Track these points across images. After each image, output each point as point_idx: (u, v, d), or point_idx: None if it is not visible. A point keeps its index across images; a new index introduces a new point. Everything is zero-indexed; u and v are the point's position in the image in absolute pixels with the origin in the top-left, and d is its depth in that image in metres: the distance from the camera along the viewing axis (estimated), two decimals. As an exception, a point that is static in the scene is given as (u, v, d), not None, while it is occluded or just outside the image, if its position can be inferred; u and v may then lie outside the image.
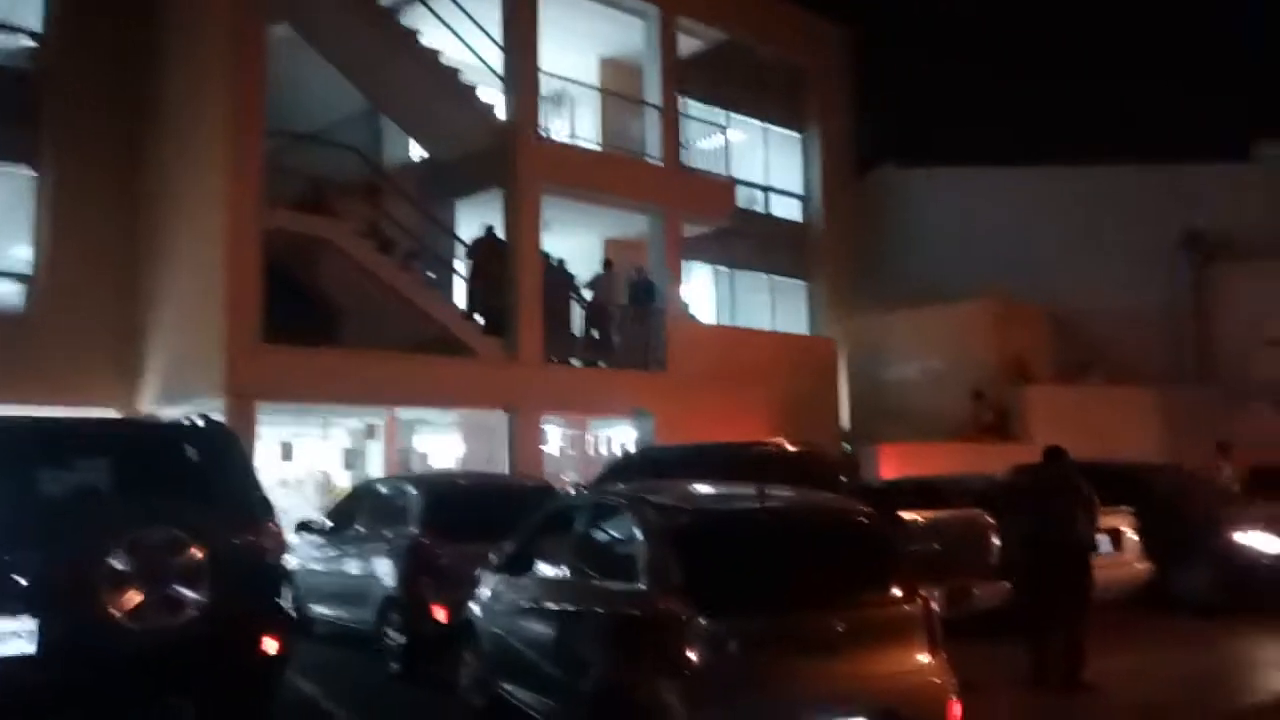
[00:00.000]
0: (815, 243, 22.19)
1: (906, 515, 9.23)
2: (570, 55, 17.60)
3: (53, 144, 14.73)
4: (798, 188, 22.46)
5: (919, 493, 10.92)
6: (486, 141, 15.72)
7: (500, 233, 15.75)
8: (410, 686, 8.75)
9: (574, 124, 17.73)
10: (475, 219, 16.10)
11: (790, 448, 11.01)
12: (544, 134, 16.71)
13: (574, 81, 17.59)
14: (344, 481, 15.36)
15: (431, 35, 15.22)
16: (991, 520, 10.06)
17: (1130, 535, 10.90)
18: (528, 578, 7.08)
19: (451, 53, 15.46)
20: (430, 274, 15.99)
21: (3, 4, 14.76)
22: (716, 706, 5.13)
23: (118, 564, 5.77)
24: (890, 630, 5.64)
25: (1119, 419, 17.60)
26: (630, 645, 5.60)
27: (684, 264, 18.36)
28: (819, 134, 22.38)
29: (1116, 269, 19.73)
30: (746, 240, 20.80)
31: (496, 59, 16.04)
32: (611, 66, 19.09)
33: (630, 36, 18.21)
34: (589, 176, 16.63)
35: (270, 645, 6.22)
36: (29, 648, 5.66)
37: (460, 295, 16.18)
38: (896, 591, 5.75)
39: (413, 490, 9.88)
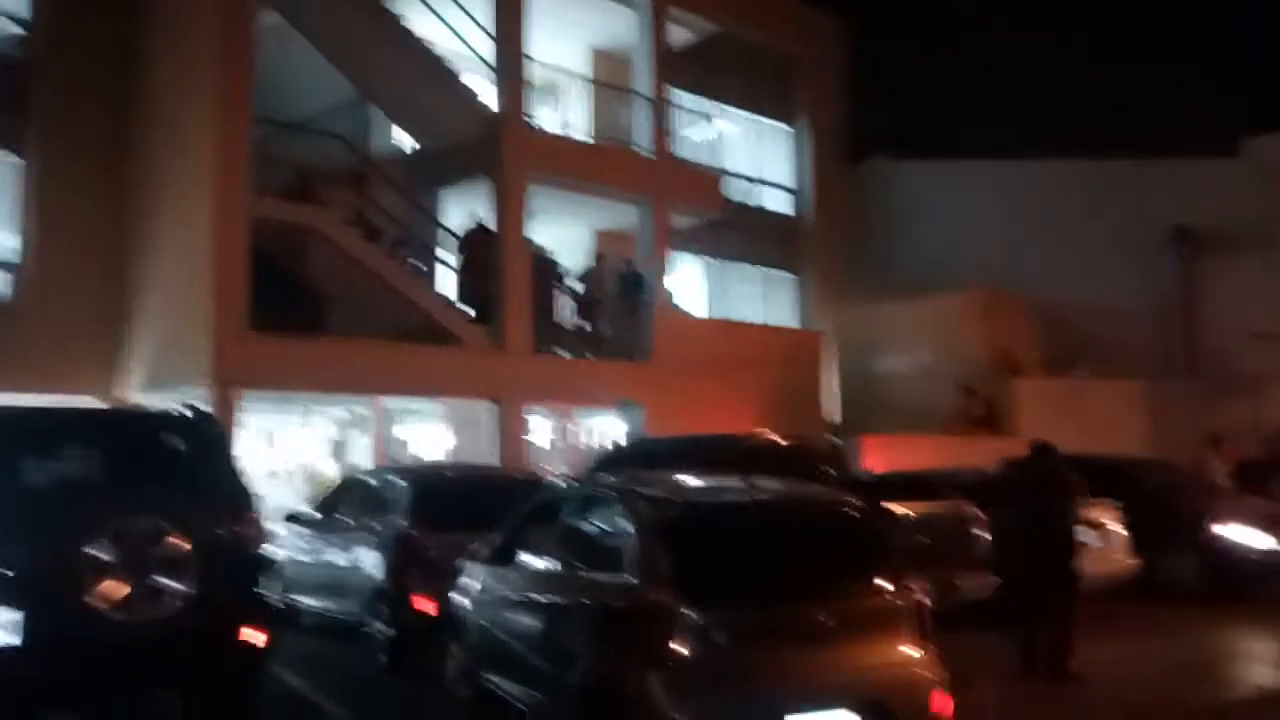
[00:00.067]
0: (804, 235, 22.18)
1: (894, 508, 9.24)
2: (560, 45, 17.54)
3: (40, 131, 14.58)
4: (787, 180, 22.45)
5: (907, 485, 10.94)
6: (474, 130, 15.64)
7: (488, 222, 15.67)
8: (397, 678, 8.73)
9: (563, 114, 17.65)
10: (462, 208, 16.03)
11: (779, 440, 11.02)
12: (532, 123, 16.62)
13: (564, 71, 17.51)
14: (330, 471, 15.30)
15: (420, 23, 15.11)
16: (979, 513, 10.10)
17: (1116, 528, 10.96)
18: (515, 569, 7.06)
19: (440, 41, 15.36)
20: (416, 263, 15.91)
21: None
22: (704, 699, 5.12)
23: (102, 554, 5.72)
24: (879, 622, 5.65)
25: (1106, 412, 17.67)
26: (618, 637, 5.58)
27: (673, 255, 18.31)
28: (809, 126, 22.36)
29: (1105, 262, 19.78)
30: (736, 232, 20.77)
31: (486, 47, 15.94)
32: (601, 56, 19.02)
33: (621, 26, 18.12)
34: (578, 166, 16.56)
35: (255, 636, 6.18)
36: (14, 639, 5.61)
37: (447, 284, 16.11)
38: (885, 583, 5.76)
39: (400, 482, 9.84)
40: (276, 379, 13.24)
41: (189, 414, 6.87)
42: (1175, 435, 16.88)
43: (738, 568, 5.52)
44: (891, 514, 9.09)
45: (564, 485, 8.45)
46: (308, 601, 10.59)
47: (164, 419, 7.08)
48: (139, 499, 6.01)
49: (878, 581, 5.76)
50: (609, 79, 18.46)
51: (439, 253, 16.42)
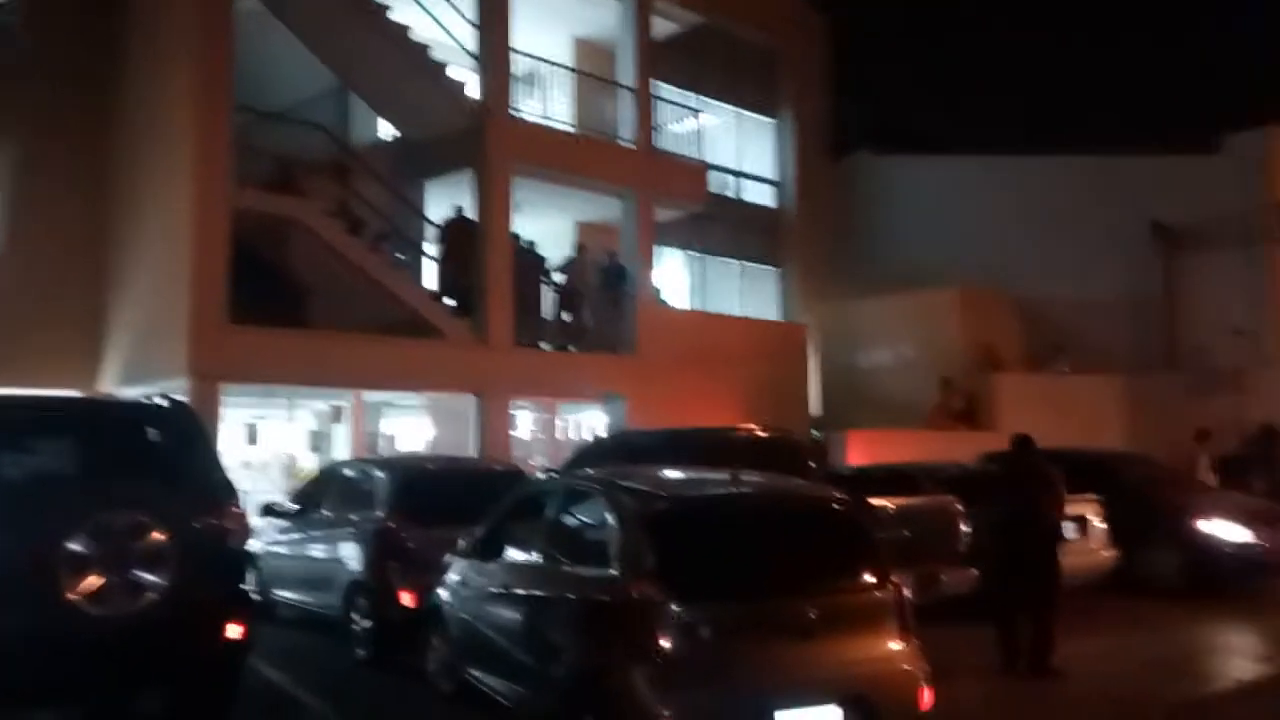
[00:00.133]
0: (787, 229, 22.18)
1: (876, 502, 9.24)
2: (543, 34, 17.42)
3: (18, 121, 14.40)
4: (770, 173, 22.43)
5: (888, 479, 10.96)
6: (457, 121, 15.53)
7: (470, 213, 15.58)
8: (377, 672, 8.67)
9: (546, 105, 17.56)
10: (445, 199, 15.92)
11: (761, 433, 11.00)
12: (516, 114, 16.53)
13: (547, 61, 17.40)
14: (309, 464, 15.20)
15: (401, 11, 14.97)
16: (961, 507, 10.12)
17: (1096, 522, 11.01)
18: (497, 563, 7.02)
19: (422, 30, 15.23)
20: (399, 255, 15.81)
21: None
22: (689, 693, 5.09)
23: (78, 547, 5.64)
24: (862, 616, 5.65)
25: (1087, 407, 17.76)
26: (602, 631, 5.55)
27: (656, 248, 18.27)
28: (792, 119, 22.36)
29: (1086, 258, 19.87)
30: (718, 225, 20.76)
31: (468, 36, 15.83)
32: (585, 47, 18.93)
33: (604, 17, 18.05)
34: (561, 158, 16.48)
35: (234, 630, 6.11)
36: None
37: (430, 277, 16.02)
38: (869, 578, 5.76)
39: (380, 474, 9.76)
40: (256, 371, 13.13)
41: (165, 405, 6.78)
42: (1155, 430, 16.98)
43: (722, 561, 5.50)
44: (871, 507, 9.08)
45: (547, 478, 8.42)
46: (286, 595, 10.51)
47: (139, 409, 6.99)
48: (114, 491, 5.93)
49: (862, 576, 5.75)
50: (592, 70, 18.38)
51: (422, 245, 16.32)
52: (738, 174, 21.88)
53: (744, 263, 22.00)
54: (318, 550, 9.99)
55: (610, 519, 5.89)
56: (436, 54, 15.31)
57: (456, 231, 15.52)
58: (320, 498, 10.44)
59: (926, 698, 5.53)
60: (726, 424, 12.74)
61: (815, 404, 20.57)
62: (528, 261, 16.13)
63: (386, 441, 16.85)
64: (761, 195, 22.33)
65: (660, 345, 16.97)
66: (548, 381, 16.11)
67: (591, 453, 11.59)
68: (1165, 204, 19.30)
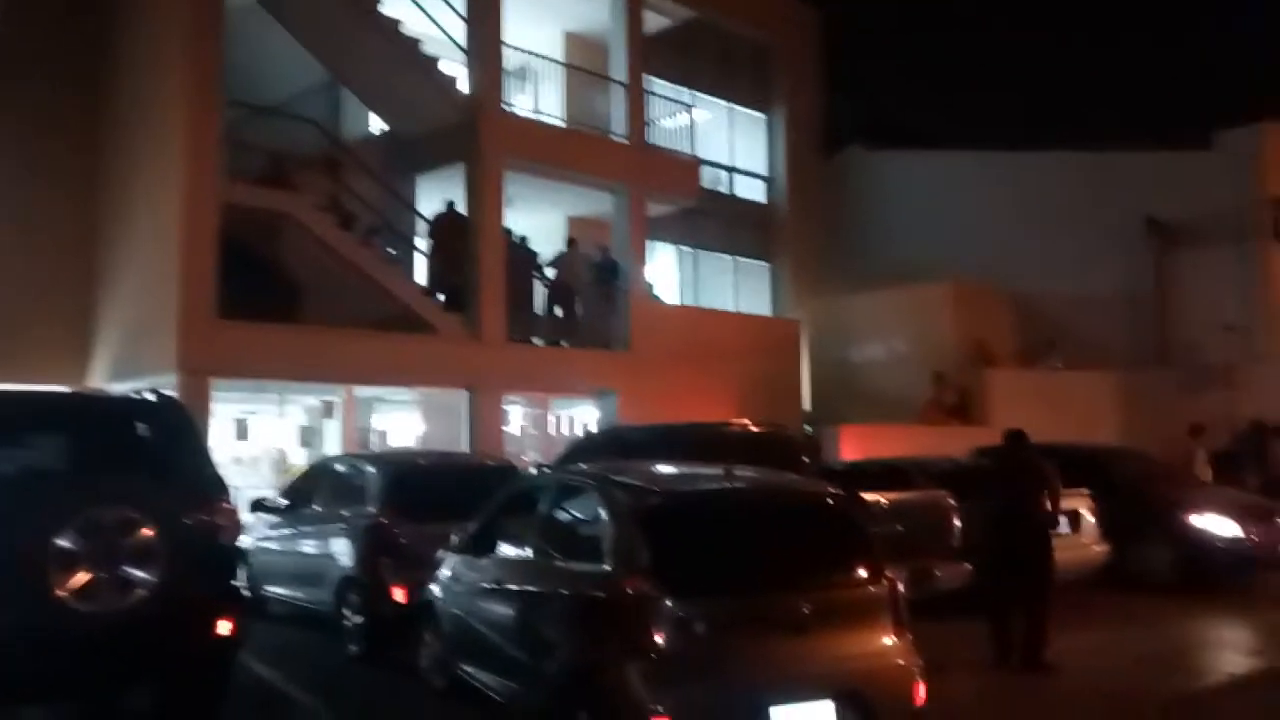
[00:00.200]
0: (779, 224, 22.17)
1: (868, 496, 9.21)
2: (534, 29, 17.37)
3: (8, 116, 14.30)
4: (763, 168, 22.41)
5: (881, 474, 10.95)
6: (449, 115, 15.47)
7: (462, 208, 15.53)
8: (369, 668, 8.62)
9: (538, 100, 17.49)
10: (437, 194, 15.87)
11: (754, 428, 10.98)
12: (508, 109, 16.47)
13: (538, 55, 17.34)
14: (300, 460, 15.14)
15: (393, 6, 14.92)
16: (954, 502, 10.11)
17: (1088, 517, 11.02)
18: (490, 558, 6.98)
19: (413, 24, 15.17)
20: (391, 250, 15.75)
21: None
22: (683, 688, 5.06)
23: (66, 543, 5.58)
24: (857, 612, 5.61)
25: (1079, 402, 17.79)
26: (595, 627, 5.52)
27: (648, 244, 18.23)
28: (785, 115, 22.34)
29: (1079, 253, 19.91)
30: (710, 221, 20.74)
31: (459, 31, 15.76)
32: (576, 41, 18.87)
33: (596, 11, 17.99)
34: (553, 153, 16.43)
35: (224, 626, 6.06)
36: None
37: (421, 272, 15.96)
38: (863, 573, 5.73)
39: (371, 469, 9.71)
40: (246, 367, 13.07)
41: (155, 400, 6.72)
42: (1148, 426, 17.02)
43: (716, 557, 5.47)
44: (864, 502, 9.06)
45: (539, 474, 8.38)
46: (277, 591, 10.46)
47: (128, 404, 6.93)
48: (103, 486, 5.88)
49: (856, 571, 5.73)
50: (584, 65, 18.32)
51: (414, 240, 16.26)
52: (730, 169, 21.86)
53: (736, 258, 21.99)
54: (309, 546, 9.93)
55: (604, 514, 5.86)
56: (428, 48, 15.25)
57: (447, 226, 15.46)
58: (311, 493, 10.39)
59: (921, 693, 5.51)
60: (719, 419, 12.71)
61: (808, 399, 20.57)
62: (520, 256, 16.09)
63: (378, 437, 16.79)
64: (754, 190, 22.30)
65: (652, 340, 16.94)
66: (540, 377, 16.07)
67: (584, 448, 11.55)
68: (1159, 200, 19.36)
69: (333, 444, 15.35)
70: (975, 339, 19.62)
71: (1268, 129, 19.31)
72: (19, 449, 6.27)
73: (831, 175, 23.09)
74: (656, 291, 19.00)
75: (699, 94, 20.89)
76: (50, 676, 5.70)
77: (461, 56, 15.87)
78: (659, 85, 19.33)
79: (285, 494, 10.89)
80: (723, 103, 21.84)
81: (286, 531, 10.41)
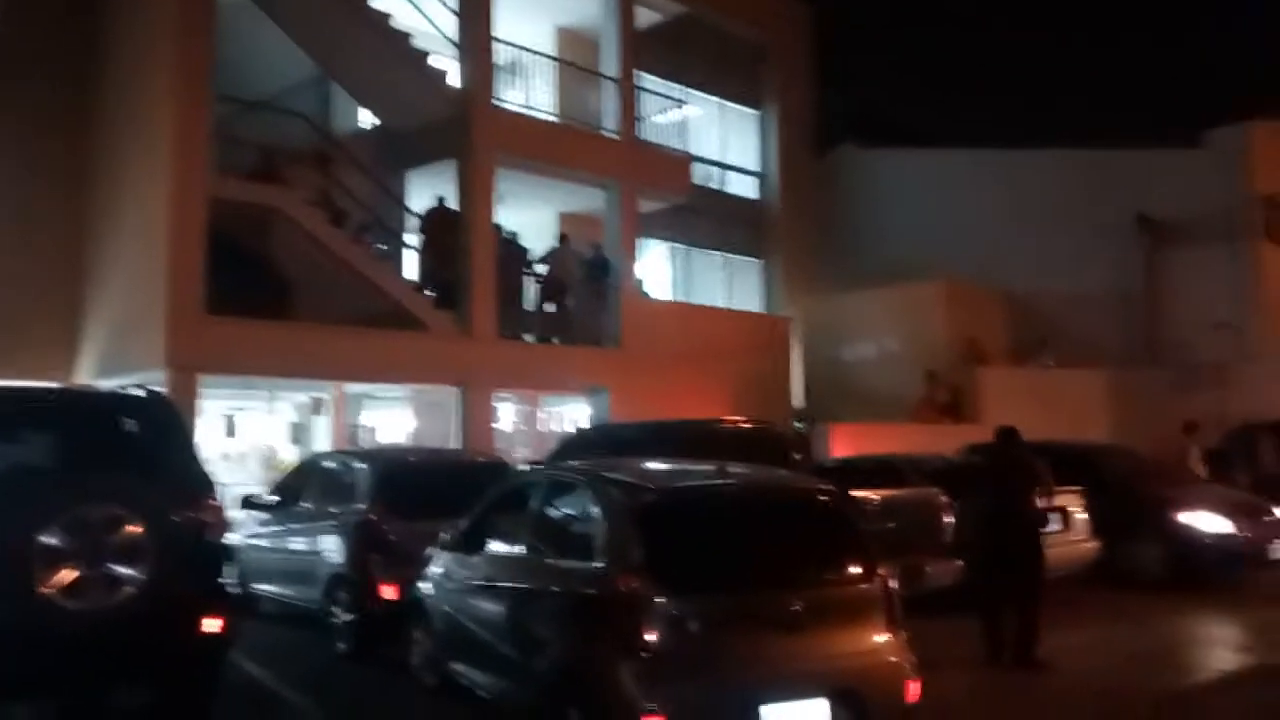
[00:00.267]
0: (771, 221, 22.13)
1: (860, 494, 9.21)
2: (525, 24, 17.27)
3: (-1, 114, 14.24)
4: (755, 165, 22.37)
5: (873, 471, 10.95)
6: (440, 110, 15.39)
7: (453, 204, 15.46)
8: (359, 666, 8.58)
9: (529, 95, 17.43)
10: (428, 190, 15.79)
11: (745, 425, 10.96)
12: (499, 104, 16.40)
13: (529, 50, 17.26)
14: (289, 456, 15.07)
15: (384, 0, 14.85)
16: (945, 499, 10.11)
17: (1079, 514, 11.04)
18: (481, 556, 6.95)
19: (403, 17, 15.09)
20: (382, 246, 15.67)
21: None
22: (675, 686, 5.03)
23: (52, 540, 5.52)
24: (850, 609, 5.60)
25: (1071, 400, 17.79)
26: (587, 625, 5.49)
27: (639, 240, 18.18)
28: (777, 111, 22.30)
29: (1071, 252, 19.91)
30: (702, 218, 20.68)
31: (450, 25, 15.70)
32: (568, 36, 18.79)
33: (587, 6, 17.90)
34: (545, 148, 16.37)
35: (213, 625, 6.01)
36: None
37: (412, 268, 15.89)
38: (856, 570, 5.71)
39: (361, 466, 9.67)
40: (235, 363, 12.99)
41: (142, 395, 6.66)
42: (1139, 424, 17.04)
43: (709, 554, 5.45)
44: (855, 499, 9.05)
45: (531, 470, 8.35)
46: (266, 588, 10.40)
47: (117, 401, 6.87)
48: (89, 482, 5.82)
49: (849, 568, 5.71)
50: (575, 60, 18.25)
51: (405, 236, 16.19)
52: (722, 166, 21.82)
53: (728, 255, 21.95)
54: (298, 543, 9.88)
55: (596, 511, 5.83)
56: (418, 42, 15.17)
57: (438, 222, 15.40)
58: (300, 490, 10.34)
59: (914, 690, 5.50)
60: (710, 416, 12.68)
61: (799, 397, 20.55)
62: (511, 253, 16.03)
63: (368, 434, 16.72)
64: (745, 187, 22.27)
65: (644, 337, 16.90)
66: (531, 374, 16.02)
67: (575, 445, 11.51)
68: (1150, 198, 19.39)
69: (322, 441, 15.29)
70: (967, 337, 19.63)
71: (1256, 127, 19.35)
72: (4, 445, 6.20)
73: (824, 172, 23.06)
74: (648, 288, 18.95)
75: (691, 90, 20.84)
76: (36, 675, 5.64)
77: (452, 51, 15.78)
78: (650, 81, 19.26)
79: (274, 491, 10.84)
80: (715, 99, 21.78)
81: (276, 529, 10.36)
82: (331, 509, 9.53)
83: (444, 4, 15.52)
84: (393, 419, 16.76)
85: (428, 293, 15.19)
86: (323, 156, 14.84)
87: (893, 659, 5.52)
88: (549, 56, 18.04)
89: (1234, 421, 16.22)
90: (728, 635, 5.20)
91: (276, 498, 10.54)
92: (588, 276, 16.85)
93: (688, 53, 20.56)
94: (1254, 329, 18.40)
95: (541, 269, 16.55)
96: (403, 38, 14.97)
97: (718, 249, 21.76)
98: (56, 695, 6.24)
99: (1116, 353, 19.35)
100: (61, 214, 14.52)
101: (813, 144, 23.25)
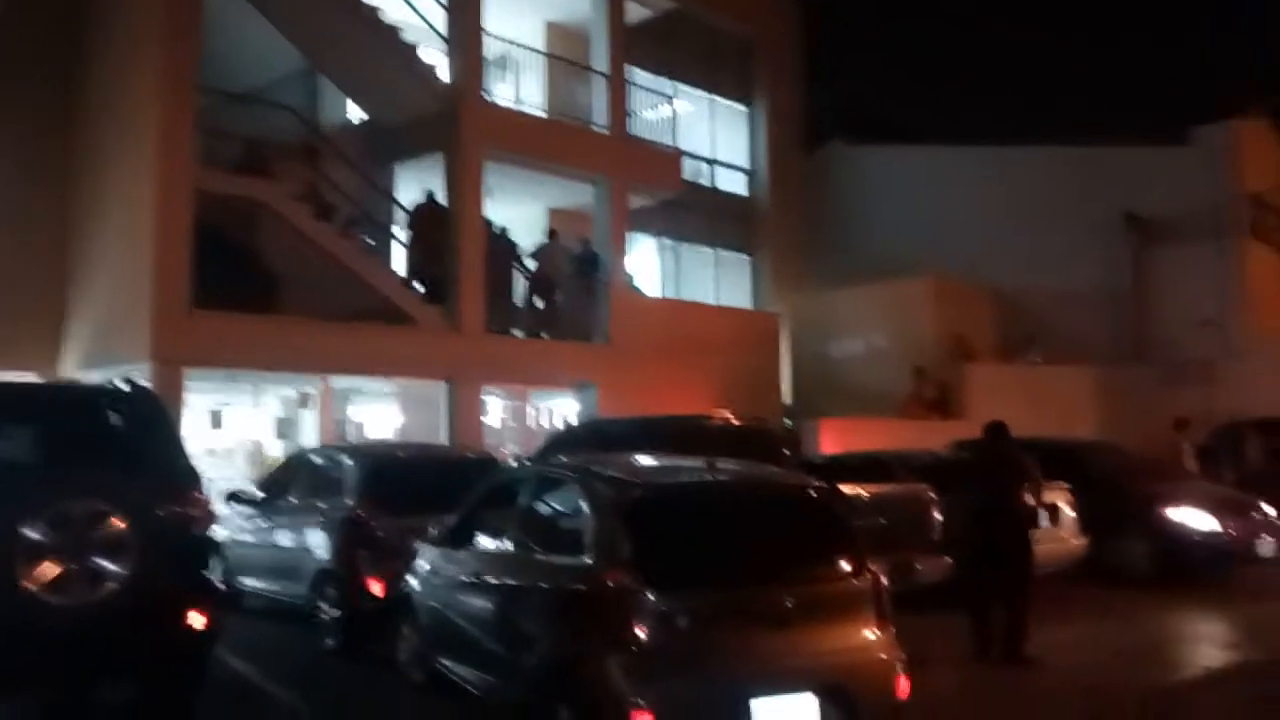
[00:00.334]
0: (760, 217, 22.11)
1: (849, 490, 9.19)
2: (515, 18, 17.21)
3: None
4: (744, 162, 22.35)
5: (862, 467, 10.94)
6: (429, 104, 15.32)
7: (441, 198, 15.39)
8: (346, 662, 8.54)
9: (518, 90, 17.37)
10: (416, 184, 15.73)
11: (734, 421, 10.94)
12: (488, 98, 16.34)
13: (519, 45, 17.20)
14: (276, 451, 14.99)
15: (371, -8, 14.77)
16: (934, 495, 10.11)
17: (1067, 510, 11.04)
18: (469, 551, 6.91)
19: (392, 11, 15.01)
20: (369, 240, 15.60)
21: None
22: (664, 682, 5.00)
23: (35, 535, 5.47)
24: (840, 605, 5.58)
25: (1058, 397, 17.84)
26: (576, 620, 5.46)
27: (628, 235, 18.15)
28: (766, 107, 22.27)
29: (1059, 249, 19.96)
30: (690, 213, 20.65)
31: (439, 19, 15.62)
32: (557, 31, 18.73)
33: (577, 1, 17.85)
34: (534, 143, 16.31)
35: (198, 620, 5.95)
36: None
37: (401, 263, 15.82)
38: (846, 566, 5.69)
39: (348, 461, 9.61)
40: (221, 357, 12.93)
41: (127, 389, 6.60)
42: (1126, 420, 17.11)
43: (698, 550, 5.42)
44: (843, 495, 9.04)
45: (519, 466, 8.32)
46: (252, 584, 10.34)
47: (99, 393, 6.81)
48: (72, 476, 5.76)
49: (839, 564, 5.69)
50: (565, 55, 18.20)
51: (392, 230, 16.12)
52: (711, 161, 21.78)
53: (717, 251, 21.92)
54: (285, 538, 9.82)
55: (585, 507, 5.80)
56: (407, 36, 15.10)
57: (426, 216, 15.33)
58: (287, 485, 10.28)
59: (903, 686, 5.48)
60: (699, 411, 12.66)
61: (788, 393, 20.56)
62: (500, 248, 15.98)
63: (355, 428, 16.66)
64: (735, 183, 22.24)
65: (633, 333, 16.88)
66: (520, 369, 15.99)
67: (564, 440, 11.48)
68: (1138, 195, 19.45)
69: (309, 436, 15.23)
70: (955, 334, 19.66)
71: (1242, 125, 19.44)
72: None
73: (813, 169, 23.06)
74: (637, 284, 18.92)
75: (680, 85, 20.80)
76: (19, 671, 5.57)
77: (441, 45, 15.72)
78: (640, 76, 19.23)
79: (261, 486, 10.78)
80: (704, 94, 21.75)
81: (262, 524, 10.30)
82: (318, 504, 9.47)
83: (433, -3, 15.45)
84: (380, 414, 16.69)
85: (416, 287, 15.12)
86: (310, 150, 14.77)
87: (882, 655, 5.50)
88: (539, 51, 17.98)
89: (1220, 418, 16.29)
90: (717, 631, 5.17)
91: (263, 493, 10.48)
92: (577, 272, 16.81)
93: (677, 48, 20.54)
94: (1240, 326, 18.47)
95: (531, 265, 16.50)
96: (392, 31, 14.89)
97: (707, 245, 21.73)
98: (40, 692, 6.18)
99: (1104, 350, 19.41)
100: (45, 207, 14.44)
101: (802, 140, 23.24)
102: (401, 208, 15.99)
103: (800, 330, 21.12)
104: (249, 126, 14.16)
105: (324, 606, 8.96)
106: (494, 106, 16.32)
